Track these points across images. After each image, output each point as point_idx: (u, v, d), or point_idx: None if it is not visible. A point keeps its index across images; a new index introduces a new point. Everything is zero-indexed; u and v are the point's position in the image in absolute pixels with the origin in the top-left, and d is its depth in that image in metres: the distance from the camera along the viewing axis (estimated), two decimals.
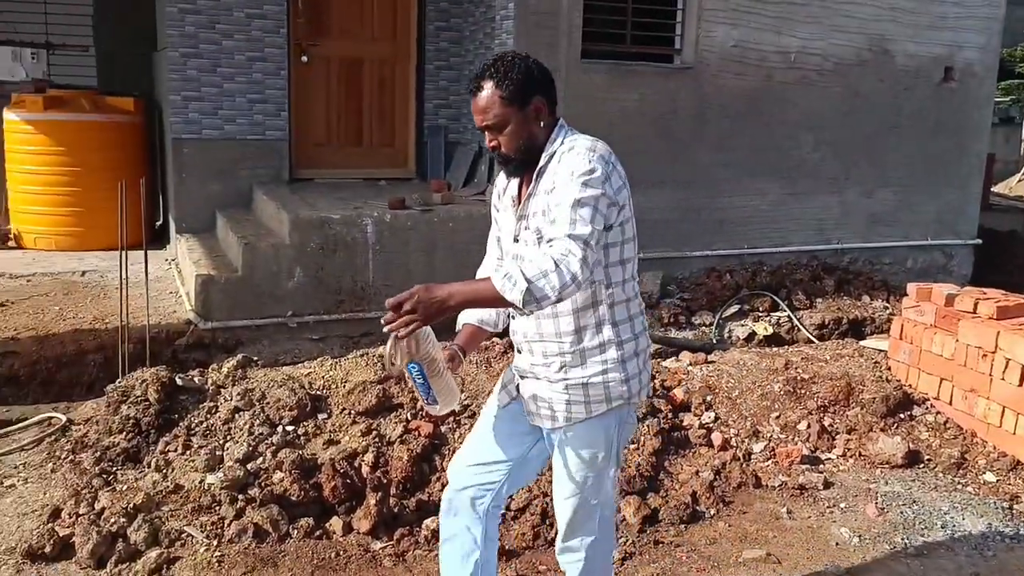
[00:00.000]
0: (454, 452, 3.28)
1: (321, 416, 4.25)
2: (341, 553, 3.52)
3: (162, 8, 6.88)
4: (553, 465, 2.61)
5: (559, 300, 2.18)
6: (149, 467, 3.89)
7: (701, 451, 4.40)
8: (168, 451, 3.97)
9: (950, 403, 4.69)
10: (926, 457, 4.47)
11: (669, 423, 4.49)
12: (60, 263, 6.72)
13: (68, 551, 3.43)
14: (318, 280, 5.77)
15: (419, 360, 2.42)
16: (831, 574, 3.48)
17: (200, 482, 3.70)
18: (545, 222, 2.30)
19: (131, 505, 3.55)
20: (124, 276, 4.80)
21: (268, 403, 4.24)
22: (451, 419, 4.18)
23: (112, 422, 4.09)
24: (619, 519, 3.82)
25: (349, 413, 4.22)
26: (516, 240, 2.46)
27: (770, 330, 6.27)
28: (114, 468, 3.91)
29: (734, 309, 6.51)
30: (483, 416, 2.74)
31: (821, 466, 4.38)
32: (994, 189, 13.43)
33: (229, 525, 3.54)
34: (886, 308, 6.63)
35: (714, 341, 6.12)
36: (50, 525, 3.52)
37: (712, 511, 3.95)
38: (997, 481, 4.24)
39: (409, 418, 4.15)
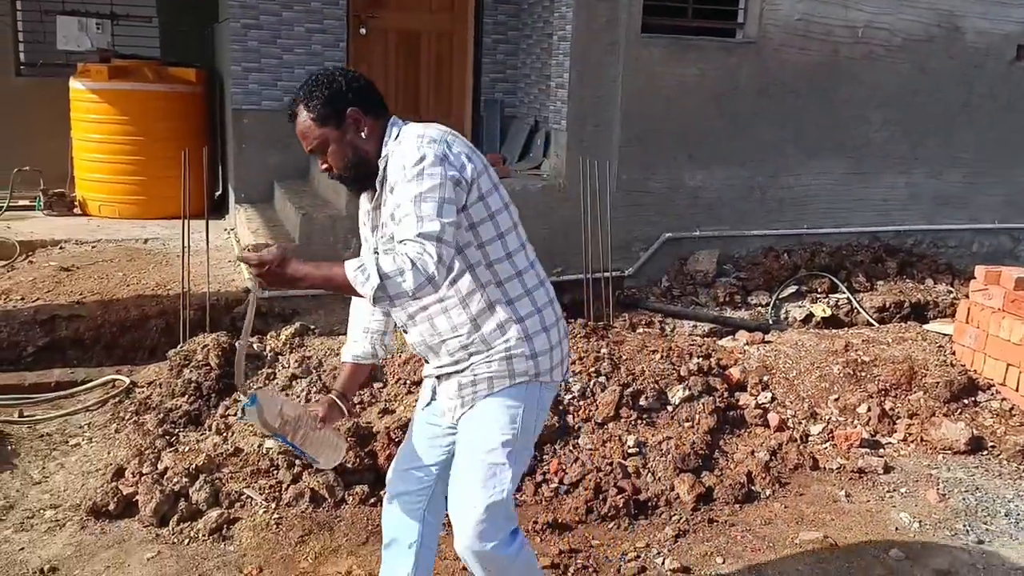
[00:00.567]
0: None
1: (376, 385, 4.29)
2: None
3: None
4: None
5: (415, 298, 2.11)
6: (210, 430, 3.97)
7: (757, 431, 4.35)
8: (228, 415, 4.05)
9: (1016, 389, 4.57)
10: (990, 444, 4.35)
11: (725, 402, 4.45)
12: (124, 230, 6.86)
13: (131, 509, 3.52)
14: None
15: (277, 432, 2.45)
16: (890, 559, 3.42)
17: (259, 446, 3.77)
18: (394, 225, 2.18)
19: (193, 466, 3.63)
20: (187, 244, 4.87)
21: (325, 371, 4.29)
22: None
23: (174, 385, 4.18)
24: (673, 496, 3.80)
25: (404, 383, 4.25)
26: (376, 252, 2.32)
27: (828, 312, 6.15)
28: (176, 430, 4.00)
29: (791, 290, 6.39)
30: (413, 419, 2.69)
31: (881, 450, 4.30)
32: None
33: (287, 489, 3.60)
34: (950, 292, 6.45)
35: (770, 322, 6.02)
36: (114, 483, 3.62)
37: (768, 492, 3.91)
38: None
39: None
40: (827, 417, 4.49)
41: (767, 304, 6.21)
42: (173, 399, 4.12)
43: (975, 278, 4.99)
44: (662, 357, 4.62)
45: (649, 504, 3.76)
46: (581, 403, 4.25)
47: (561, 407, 4.19)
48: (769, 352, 5.03)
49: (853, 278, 6.54)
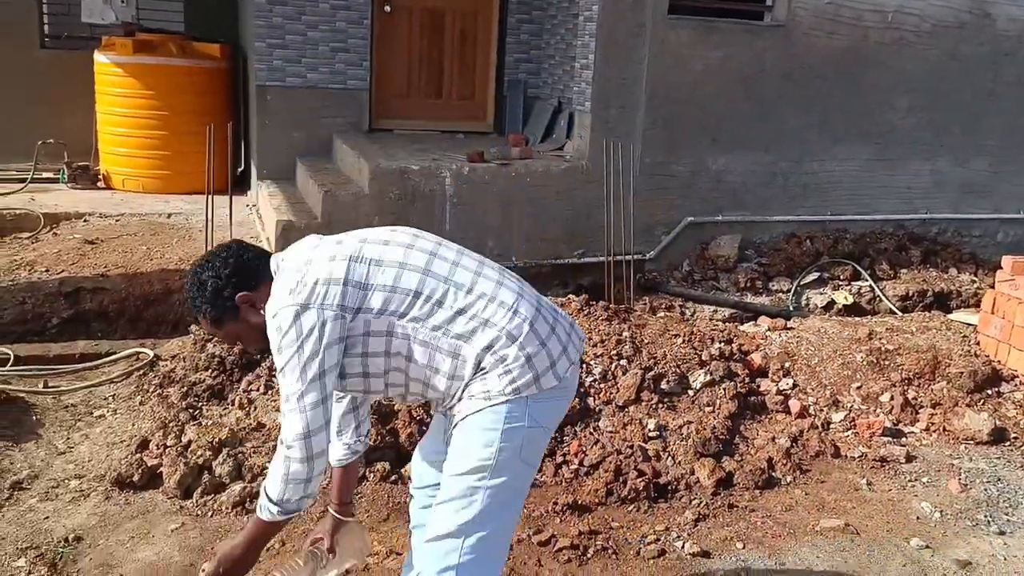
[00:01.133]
0: None
1: None
2: None
3: None
4: None
5: (312, 494, 2.17)
6: (233, 404, 3.99)
7: (778, 417, 4.34)
8: (251, 390, 4.07)
9: None
10: (1012, 435, 4.33)
11: (746, 387, 4.43)
12: (147, 204, 6.89)
13: (155, 481, 3.56)
14: None
15: None
16: (911, 548, 3.41)
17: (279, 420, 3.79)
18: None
19: (216, 440, 3.65)
20: (210, 219, 4.89)
21: None
22: None
23: (198, 359, 4.20)
24: (693, 480, 3.80)
25: None
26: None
27: (850, 299, 6.11)
28: (200, 403, 4.03)
29: (813, 276, 6.35)
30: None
31: (903, 439, 4.28)
32: None
33: None
34: (973, 282, 6.39)
35: (791, 308, 5.99)
36: (138, 455, 3.66)
37: (788, 478, 3.90)
38: None
39: None
40: (849, 405, 4.47)
41: (788, 290, 6.17)
42: (197, 373, 4.15)
43: (1000, 268, 4.95)
44: (684, 341, 4.61)
45: (669, 488, 3.76)
46: (602, 385, 4.25)
47: (582, 389, 4.19)
48: (791, 338, 5.00)
49: (876, 266, 6.48)
